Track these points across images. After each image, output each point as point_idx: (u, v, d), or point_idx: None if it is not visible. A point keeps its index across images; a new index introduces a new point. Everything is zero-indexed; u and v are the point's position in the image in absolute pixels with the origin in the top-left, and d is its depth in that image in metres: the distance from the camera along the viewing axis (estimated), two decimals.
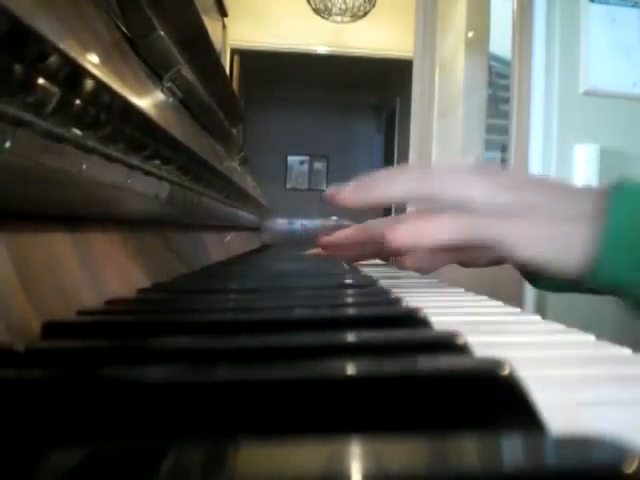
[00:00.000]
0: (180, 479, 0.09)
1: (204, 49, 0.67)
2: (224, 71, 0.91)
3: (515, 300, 1.58)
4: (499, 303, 0.33)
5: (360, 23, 3.36)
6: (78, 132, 0.26)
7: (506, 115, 1.92)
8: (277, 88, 5.20)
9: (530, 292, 1.67)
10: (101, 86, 0.27)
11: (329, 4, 3.22)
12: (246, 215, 1.08)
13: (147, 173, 0.39)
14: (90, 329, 0.22)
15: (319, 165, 5.85)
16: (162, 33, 0.46)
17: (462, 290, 0.40)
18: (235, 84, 3.41)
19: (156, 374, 0.14)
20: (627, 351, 0.19)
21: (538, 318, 0.27)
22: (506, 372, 0.13)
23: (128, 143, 0.33)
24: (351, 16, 3.28)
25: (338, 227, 0.64)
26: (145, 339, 0.20)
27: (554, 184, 0.37)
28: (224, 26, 2.72)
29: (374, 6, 3.24)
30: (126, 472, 0.09)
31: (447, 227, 0.34)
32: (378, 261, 0.72)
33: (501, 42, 2.05)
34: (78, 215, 0.30)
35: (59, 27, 0.23)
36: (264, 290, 0.37)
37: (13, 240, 0.23)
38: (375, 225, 0.57)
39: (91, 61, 0.25)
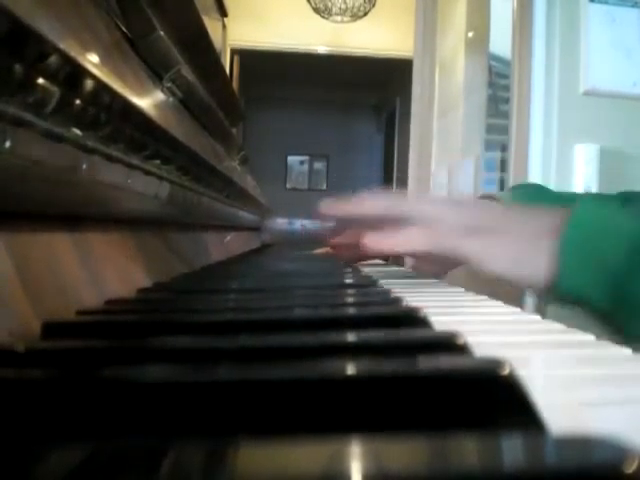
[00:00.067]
0: (180, 479, 0.09)
1: (204, 49, 0.67)
2: (224, 71, 0.91)
3: (515, 300, 1.58)
4: (499, 303, 0.33)
5: (360, 23, 3.36)
6: (78, 132, 0.26)
7: (506, 115, 1.91)
8: (277, 88, 5.20)
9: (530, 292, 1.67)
10: (101, 86, 0.27)
11: (329, 4, 3.22)
12: (246, 215, 1.08)
13: (147, 173, 0.39)
14: (90, 329, 0.22)
15: (319, 165, 5.85)
16: (162, 33, 0.46)
17: (462, 290, 0.40)
18: (235, 84, 3.41)
19: (156, 374, 0.14)
20: (627, 351, 0.20)
21: (538, 318, 0.27)
22: (506, 372, 0.13)
23: (128, 143, 0.33)
24: (351, 16, 3.27)
25: (338, 227, 0.64)
26: (145, 339, 0.20)
27: (518, 209, 0.43)
28: (224, 26, 2.72)
29: (374, 6, 3.24)
30: (126, 472, 0.09)
31: (414, 238, 0.40)
32: (378, 261, 0.72)
33: (501, 42, 2.05)
34: (78, 215, 0.30)
35: (59, 27, 0.23)
36: (264, 290, 0.37)
37: (13, 240, 0.23)
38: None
39: (91, 61, 0.25)
